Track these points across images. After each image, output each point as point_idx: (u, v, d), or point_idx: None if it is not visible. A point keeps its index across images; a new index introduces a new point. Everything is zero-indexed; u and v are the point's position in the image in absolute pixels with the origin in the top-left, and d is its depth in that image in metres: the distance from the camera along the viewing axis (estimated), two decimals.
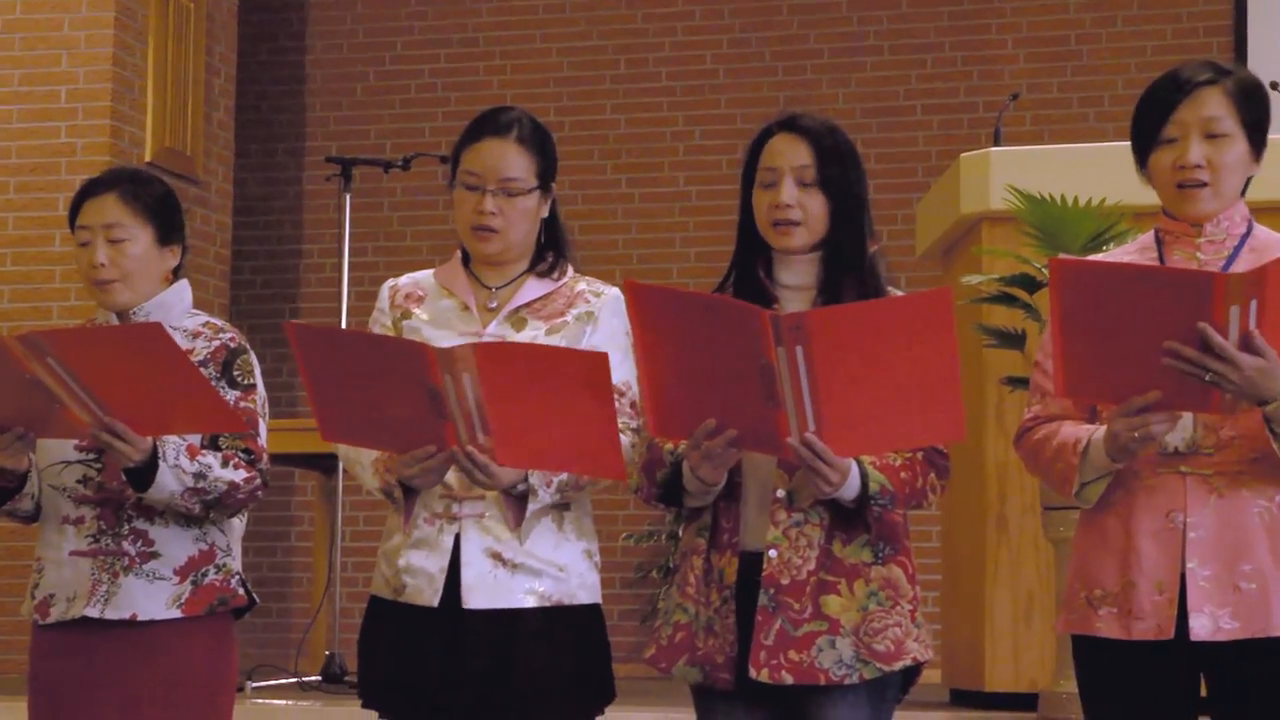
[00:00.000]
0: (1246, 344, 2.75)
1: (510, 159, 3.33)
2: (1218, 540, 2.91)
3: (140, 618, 3.42)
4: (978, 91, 8.59)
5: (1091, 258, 3.20)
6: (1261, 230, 3.07)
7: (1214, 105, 3.00)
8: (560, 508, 3.28)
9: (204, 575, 3.48)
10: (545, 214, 3.42)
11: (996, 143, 6.09)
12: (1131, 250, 3.16)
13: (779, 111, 3.29)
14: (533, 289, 3.37)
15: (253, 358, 3.56)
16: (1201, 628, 2.89)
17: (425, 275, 3.46)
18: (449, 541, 3.23)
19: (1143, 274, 2.86)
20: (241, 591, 3.52)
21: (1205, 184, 3.00)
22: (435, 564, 3.23)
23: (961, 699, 6.02)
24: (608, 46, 9.09)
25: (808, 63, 8.85)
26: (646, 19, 9.06)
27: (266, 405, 3.60)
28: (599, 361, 2.97)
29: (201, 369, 3.40)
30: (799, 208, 3.15)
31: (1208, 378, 2.76)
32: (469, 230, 3.35)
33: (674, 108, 8.99)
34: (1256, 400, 2.81)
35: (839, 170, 3.17)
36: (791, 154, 3.17)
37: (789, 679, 3.03)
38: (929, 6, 8.75)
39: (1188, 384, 2.78)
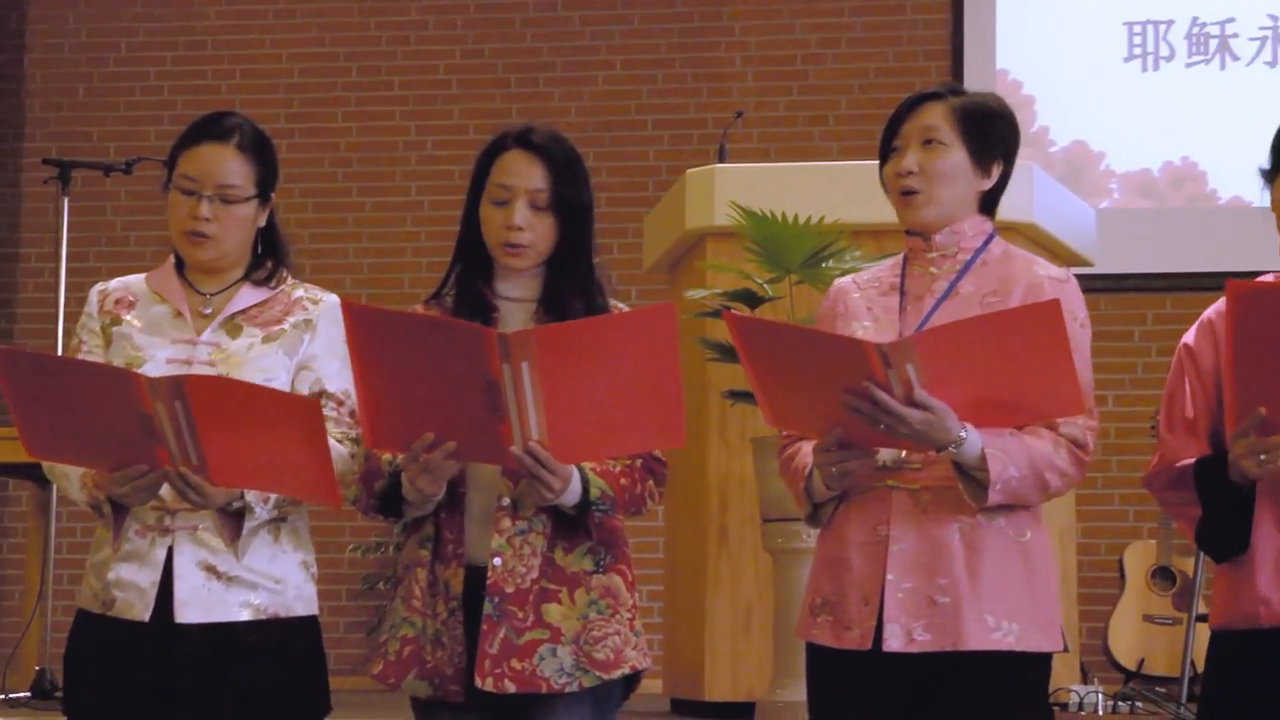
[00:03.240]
0: (911, 400, 2.84)
1: (229, 166, 3.29)
2: (917, 554, 2.98)
3: None
4: (707, 108, 8.70)
5: (845, 279, 3.28)
6: (1000, 246, 3.15)
7: (932, 116, 3.11)
8: (277, 519, 3.24)
9: None
10: (263, 223, 3.37)
11: (721, 159, 6.19)
12: (885, 266, 3.24)
13: (512, 124, 3.28)
14: (248, 296, 3.33)
15: None
16: (894, 639, 2.96)
17: (137, 280, 3.40)
18: (161, 554, 3.17)
19: (808, 336, 2.98)
20: None
21: (917, 190, 3.09)
22: (146, 577, 3.17)
23: (681, 708, 6.08)
24: (339, 54, 9.01)
25: (540, 75, 8.88)
26: (379, 27, 9.00)
27: None
28: (311, 407, 2.98)
29: None
30: (530, 230, 3.17)
31: (881, 428, 2.86)
32: (182, 235, 3.29)
33: (406, 117, 8.94)
34: (931, 448, 2.91)
35: (572, 190, 3.20)
36: (526, 175, 3.18)
37: (512, 688, 3.04)
38: (660, 23, 8.85)
39: (873, 426, 2.88)
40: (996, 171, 3.14)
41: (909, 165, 3.09)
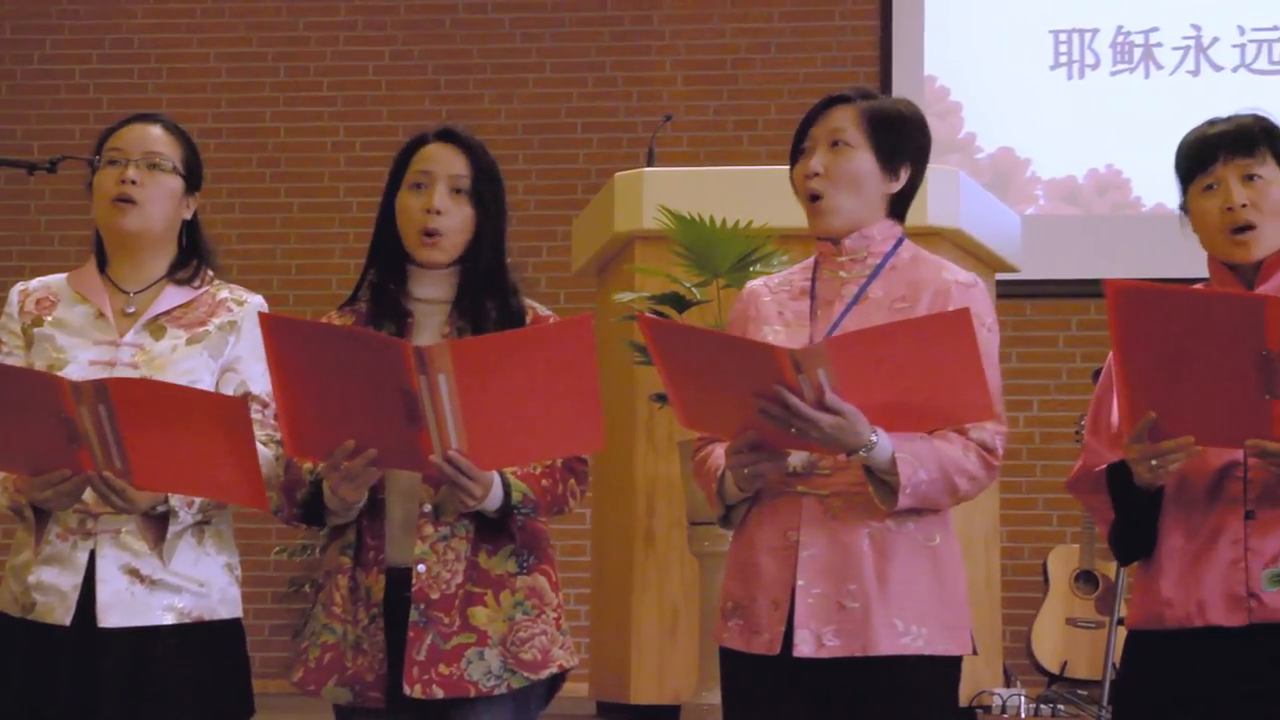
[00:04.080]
0: (822, 404, 2.85)
1: (156, 137, 3.32)
2: (828, 559, 2.99)
3: None
4: (637, 111, 8.72)
5: (756, 281, 3.30)
6: (909, 250, 3.16)
7: (840, 119, 3.11)
8: (201, 522, 3.23)
9: None
10: (188, 216, 3.37)
11: (650, 163, 6.20)
12: (796, 270, 3.25)
13: (432, 125, 3.31)
14: (172, 296, 3.31)
15: None
16: (804, 644, 2.97)
17: (58, 279, 3.38)
18: (83, 558, 3.15)
19: (721, 340, 2.99)
20: None
21: (822, 195, 3.10)
22: (68, 581, 3.15)
23: (607, 711, 6.09)
24: (268, 54, 8.97)
25: (470, 77, 8.87)
26: (309, 27, 8.96)
27: None
28: (237, 407, 2.98)
29: None
30: (448, 215, 3.18)
31: (793, 431, 2.86)
32: (109, 204, 3.28)
33: (335, 118, 8.91)
34: (843, 451, 2.92)
35: (490, 186, 3.22)
36: (447, 162, 3.21)
37: (440, 693, 3.05)
38: (591, 26, 8.86)
39: (784, 429, 2.88)
40: (905, 175, 3.14)
41: (814, 167, 3.10)
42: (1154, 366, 2.84)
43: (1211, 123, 3.12)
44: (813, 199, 3.12)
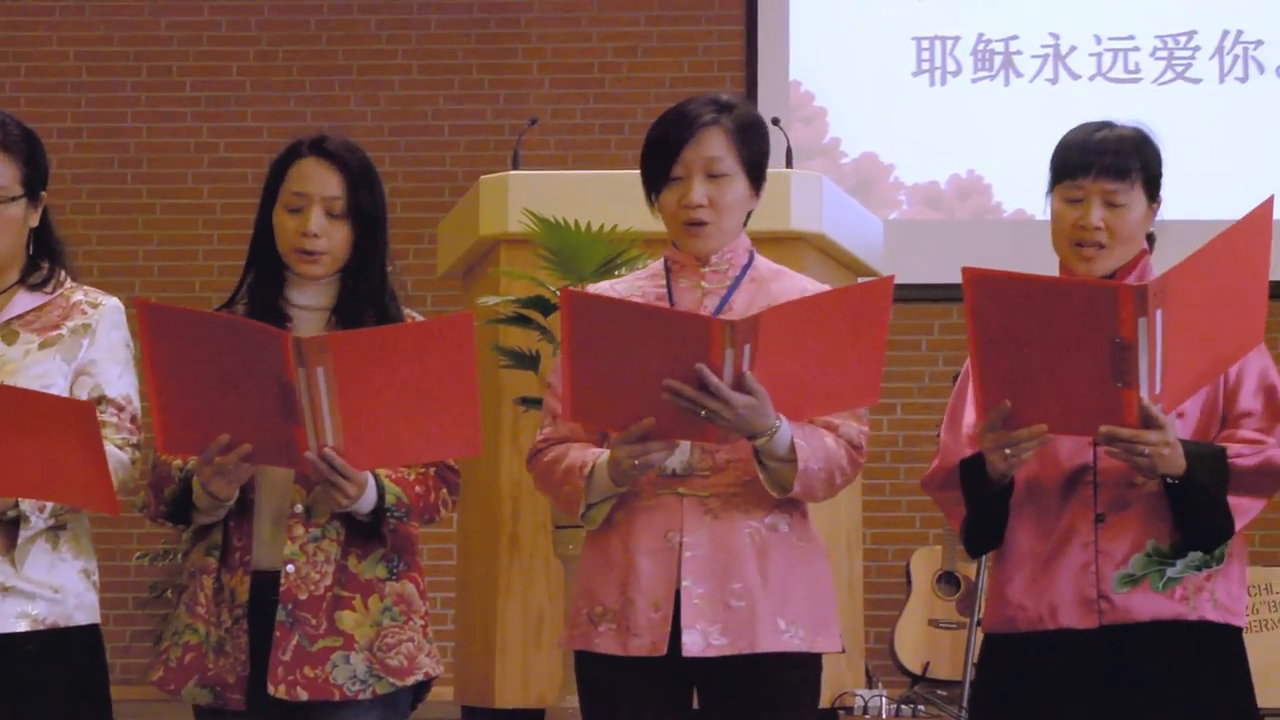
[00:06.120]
0: (739, 384, 2.88)
1: None
2: (711, 559, 3.03)
3: None
4: (504, 114, 8.71)
5: (601, 284, 3.31)
6: (763, 262, 3.23)
7: (715, 146, 3.13)
8: (56, 527, 3.19)
9: None
10: (35, 223, 3.31)
11: (515, 166, 6.19)
12: (643, 276, 3.27)
13: (306, 132, 3.27)
14: (24, 301, 3.27)
15: None
16: (693, 644, 3.00)
17: None
18: None
19: (649, 313, 2.98)
20: None
21: (707, 223, 3.12)
22: None
23: (473, 715, 6.08)
24: (129, 53, 8.85)
25: (336, 79, 8.82)
26: (170, 26, 8.86)
27: None
28: (85, 410, 2.96)
29: None
30: (325, 237, 3.16)
31: (703, 414, 2.89)
32: None
33: (198, 119, 8.82)
34: (748, 435, 2.95)
35: (367, 198, 3.19)
36: (322, 182, 3.17)
37: (304, 695, 3.04)
38: (457, 28, 8.84)
39: (686, 415, 2.90)
40: (763, 191, 3.20)
41: (698, 199, 3.12)
42: (1009, 355, 2.89)
43: (1100, 126, 3.16)
44: (695, 225, 3.13)
